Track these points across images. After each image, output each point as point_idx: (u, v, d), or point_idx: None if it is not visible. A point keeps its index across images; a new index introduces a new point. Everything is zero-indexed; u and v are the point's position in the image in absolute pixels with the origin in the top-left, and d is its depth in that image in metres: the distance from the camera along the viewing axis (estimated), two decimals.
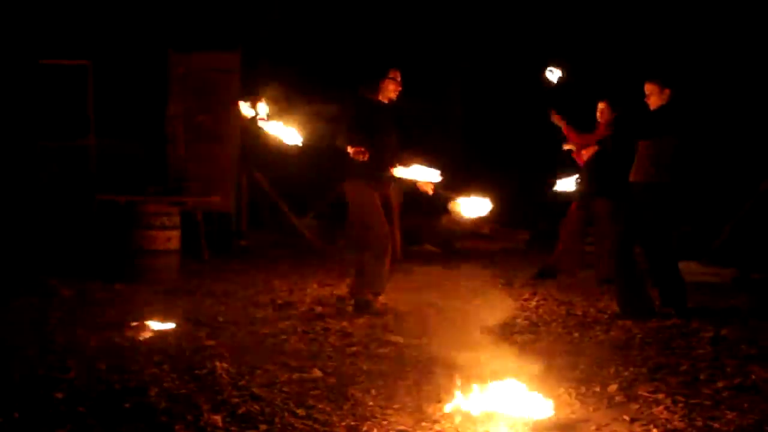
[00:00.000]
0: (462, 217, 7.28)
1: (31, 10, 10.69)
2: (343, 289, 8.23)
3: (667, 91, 6.93)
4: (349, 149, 6.79)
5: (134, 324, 6.30)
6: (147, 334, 6.08)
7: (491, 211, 7.06)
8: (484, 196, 7.01)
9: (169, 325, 6.24)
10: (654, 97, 6.98)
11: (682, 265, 10.10)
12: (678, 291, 7.18)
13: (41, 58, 10.12)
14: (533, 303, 7.65)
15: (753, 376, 5.23)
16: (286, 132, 6.97)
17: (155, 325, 6.21)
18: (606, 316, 7.08)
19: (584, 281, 8.93)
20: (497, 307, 7.59)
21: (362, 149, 6.76)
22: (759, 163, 11.36)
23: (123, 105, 10.99)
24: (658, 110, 6.99)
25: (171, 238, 8.51)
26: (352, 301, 7.28)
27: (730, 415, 4.42)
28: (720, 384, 5.05)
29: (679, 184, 6.99)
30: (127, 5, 11.71)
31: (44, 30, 10.64)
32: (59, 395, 4.52)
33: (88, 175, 9.75)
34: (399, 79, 7.28)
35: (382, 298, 7.38)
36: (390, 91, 7.26)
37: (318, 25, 11.82)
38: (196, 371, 5.13)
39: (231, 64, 10.81)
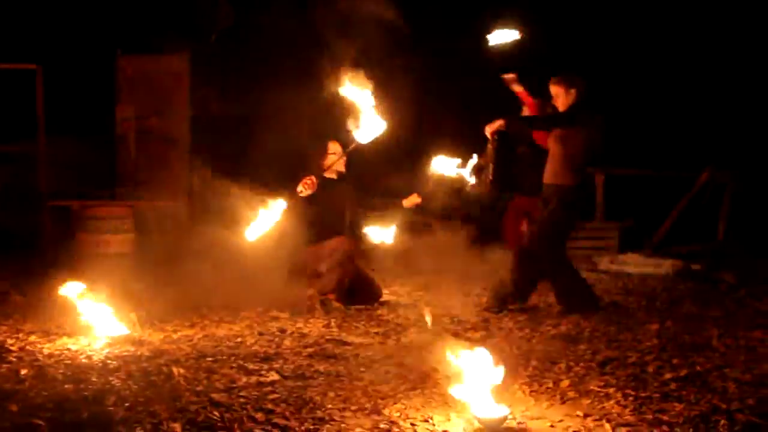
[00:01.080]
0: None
1: None
2: (295, 289, 8.16)
3: (573, 92, 6.91)
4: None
5: (89, 330, 6.17)
6: (102, 341, 5.95)
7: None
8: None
9: (125, 331, 6.12)
10: (561, 98, 6.98)
11: (626, 257, 10.33)
12: (578, 293, 7.15)
13: None
14: (484, 299, 7.65)
15: (698, 368, 5.31)
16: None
17: (110, 330, 6.08)
18: (556, 311, 7.12)
19: None
20: (449, 303, 7.61)
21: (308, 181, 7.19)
22: (698, 156, 11.55)
23: (73, 108, 10.78)
24: (567, 110, 6.97)
25: (124, 242, 8.37)
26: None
27: (678, 407, 4.48)
28: (667, 376, 5.12)
29: (586, 186, 7.03)
30: (75, 9, 11.48)
31: None
32: (14, 407, 4.41)
33: (38, 179, 9.53)
34: (339, 150, 7.41)
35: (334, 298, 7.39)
36: (336, 165, 7.44)
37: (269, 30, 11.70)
38: (153, 377, 5.05)
39: (180, 67, 10.67)
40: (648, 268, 9.81)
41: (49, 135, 9.96)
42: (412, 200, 7.58)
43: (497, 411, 4.21)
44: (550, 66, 7.76)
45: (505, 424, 4.18)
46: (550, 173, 6.99)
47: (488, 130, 6.86)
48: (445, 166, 7.60)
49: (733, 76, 12.26)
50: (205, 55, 10.86)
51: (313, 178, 7.31)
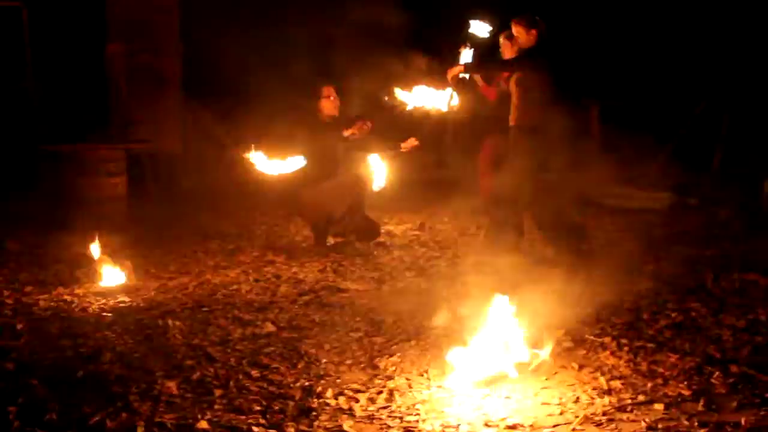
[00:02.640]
0: None
1: None
2: (291, 231, 8.13)
3: (533, 32, 6.85)
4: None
5: (84, 279, 6.13)
6: (97, 291, 5.92)
7: None
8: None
9: (120, 280, 6.08)
10: (522, 38, 6.92)
11: (620, 189, 10.24)
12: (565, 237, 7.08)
13: None
14: (479, 237, 7.59)
15: (693, 313, 5.30)
16: None
17: (105, 279, 6.05)
18: (550, 251, 7.06)
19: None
20: (444, 244, 7.58)
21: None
22: (693, 89, 11.40)
23: (61, 48, 10.55)
24: (527, 51, 6.92)
25: (118, 185, 8.28)
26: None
27: (672, 358, 4.47)
28: (662, 323, 5.12)
29: (549, 126, 6.95)
30: None
31: None
32: (10, 366, 4.41)
33: (29, 122, 9.38)
34: (334, 95, 7.35)
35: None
36: (329, 109, 7.28)
37: None
38: (149, 331, 5.04)
39: (169, 2, 10.42)
40: (644, 202, 9.73)
41: (38, 75, 9.77)
42: (410, 143, 7.50)
43: (493, 363, 4.19)
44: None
45: (502, 377, 4.17)
46: (513, 116, 6.99)
47: (449, 74, 6.89)
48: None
49: (727, 8, 12.00)
50: None
51: (369, 123, 7.25)
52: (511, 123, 7.05)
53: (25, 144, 8.94)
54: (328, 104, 7.37)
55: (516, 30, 6.98)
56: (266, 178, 6.92)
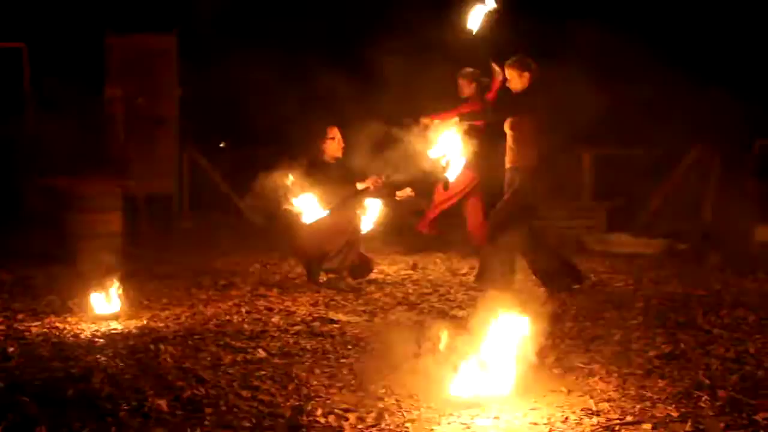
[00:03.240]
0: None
1: None
2: (284, 269, 8.17)
3: (526, 75, 7.06)
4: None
5: (76, 309, 6.15)
6: (89, 319, 5.94)
7: None
8: None
9: (112, 309, 6.10)
10: (514, 81, 7.11)
11: (613, 236, 10.34)
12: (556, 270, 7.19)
13: None
14: (471, 278, 7.66)
15: (682, 345, 5.34)
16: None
17: (97, 309, 6.07)
18: (543, 290, 7.12)
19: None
20: (436, 282, 7.63)
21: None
22: (684, 139, 11.55)
23: (61, 88, 10.72)
24: (520, 94, 7.10)
25: (112, 221, 8.34)
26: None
27: (661, 383, 4.51)
28: (651, 353, 5.15)
29: (544, 166, 7.10)
30: None
31: None
32: (0, 384, 4.41)
33: (27, 158, 9.48)
34: (339, 136, 7.45)
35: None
36: (333, 150, 7.38)
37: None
38: (140, 355, 5.05)
39: (167, 46, 10.62)
40: (635, 247, 9.81)
41: (37, 114, 9.92)
42: (405, 193, 7.60)
43: (482, 387, 4.22)
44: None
45: (491, 400, 4.19)
46: (509, 157, 7.14)
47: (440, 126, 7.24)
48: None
49: (718, 57, 12.24)
50: (193, 35, 10.78)
51: (381, 179, 7.41)
52: (508, 165, 7.19)
53: (21, 178, 9.02)
54: (333, 145, 7.45)
55: (509, 73, 7.19)
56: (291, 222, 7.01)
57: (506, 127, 7.18)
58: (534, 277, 7.25)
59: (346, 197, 7.32)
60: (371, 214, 7.59)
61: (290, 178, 7.17)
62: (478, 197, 9.01)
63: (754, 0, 11.85)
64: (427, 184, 8.49)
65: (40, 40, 10.28)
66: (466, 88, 8.95)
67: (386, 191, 7.62)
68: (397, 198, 7.65)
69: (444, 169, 7.40)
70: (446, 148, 7.31)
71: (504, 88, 7.53)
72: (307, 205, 7.10)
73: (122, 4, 11.45)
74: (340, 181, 7.34)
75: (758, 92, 11.52)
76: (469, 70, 8.94)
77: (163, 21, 10.70)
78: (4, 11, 10.87)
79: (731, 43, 12.13)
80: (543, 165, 7.10)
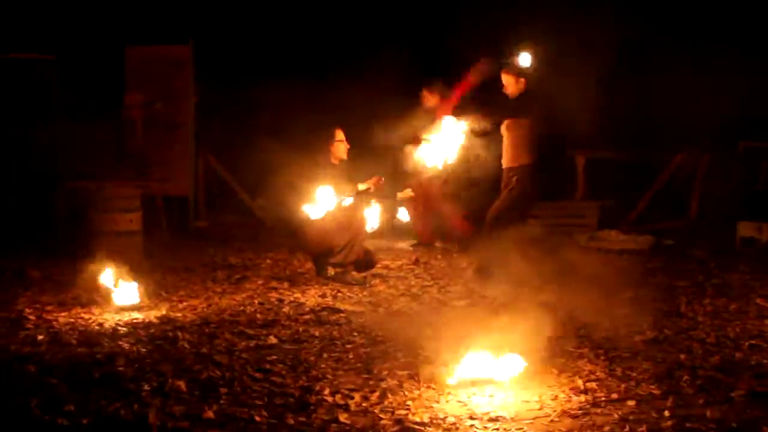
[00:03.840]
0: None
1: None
2: (294, 264, 8.27)
3: (522, 81, 7.19)
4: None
5: (100, 301, 6.26)
6: (113, 310, 6.05)
7: None
8: None
9: (134, 301, 6.21)
10: (511, 87, 7.23)
11: (604, 233, 10.41)
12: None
13: (9, 53, 10.02)
14: (470, 271, 7.74)
15: (666, 331, 5.43)
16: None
17: (120, 301, 6.18)
18: (537, 282, 7.20)
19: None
20: (437, 275, 7.72)
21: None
22: (671, 140, 11.63)
23: (85, 96, 10.86)
24: (516, 99, 7.22)
25: (133, 220, 8.45)
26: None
27: (645, 365, 4.61)
28: (637, 338, 5.25)
29: (540, 165, 7.21)
30: (87, 3, 11.56)
31: (7, 26, 10.54)
32: (31, 368, 4.54)
33: (54, 162, 9.60)
34: (344, 138, 7.51)
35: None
36: (340, 152, 7.46)
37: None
38: (160, 342, 5.17)
39: (183, 56, 10.73)
40: (625, 244, 9.88)
41: (63, 120, 10.04)
42: (407, 194, 7.69)
43: (477, 370, 4.32)
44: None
45: (487, 381, 4.29)
46: (506, 158, 7.27)
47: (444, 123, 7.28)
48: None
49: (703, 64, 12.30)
50: (207, 45, 10.90)
51: (382, 179, 7.50)
52: (505, 165, 7.30)
53: (49, 181, 9.14)
54: (340, 147, 7.51)
55: (505, 79, 7.30)
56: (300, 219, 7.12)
57: (503, 129, 7.28)
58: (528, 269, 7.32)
59: (349, 196, 7.39)
60: (376, 214, 7.66)
61: (299, 179, 7.25)
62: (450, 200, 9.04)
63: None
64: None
65: (67, 52, 10.42)
66: (430, 100, 9.01)
67: (387, 191, 7.70)
68: (398, 198, 7.73)
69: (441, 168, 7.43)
70: (443, 150, 7.36)
71: (490, 92, 7.62)
72: (314, 204, 7.17)
73: (141, 18, 11.59)
74: (345, 181, 7.42)
75: (742, 95, 11.59)
76: (434, 82, 9.00)
77: (179, 33, 10.82)
78: (35, 25, 11.04)
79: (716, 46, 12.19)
80: (538, 166, 7.21)
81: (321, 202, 7.10)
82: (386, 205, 7.77)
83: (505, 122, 7.27)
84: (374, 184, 7.50)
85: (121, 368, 4.53)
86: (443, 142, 7.32)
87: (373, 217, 7.62)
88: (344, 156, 7.54)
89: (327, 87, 10.62)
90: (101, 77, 11.04)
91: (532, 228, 7.67)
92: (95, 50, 11.37)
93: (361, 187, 7.49)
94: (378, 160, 8.44)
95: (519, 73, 7.22)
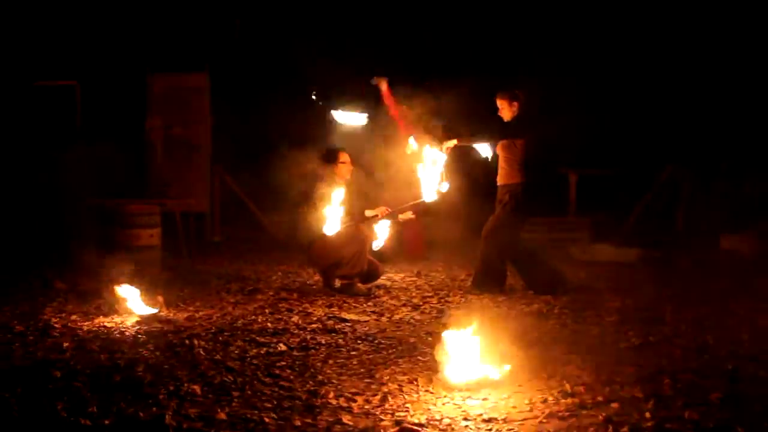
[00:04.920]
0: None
1: (25, 38, 10.77)
2: (304, 277, 8.33)
3: (515, 104, 7.27)
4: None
5: (121, 311, 6.33)
6: (133, 320, 6.12)
7: None
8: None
9: (153, 311, 6.28)
10: (505, 110, 7.31)
11: (596, 247, 10.46)
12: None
13: (35, 80, 10.17)
14: (468, 283, 7.80)
15: (651, 338, 5.47)
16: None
17: (140, 311, 6.25)
18: (531, 291, 7.25)
19: None
20: (437, 287, 7.77)
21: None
22: (659, 157, 11.72)
23: (108, 119, 11.01)
24: (511, 121, 7.29)
25: (153, 235, 8.54)
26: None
27: (630, 370, 4.64)
28: (623, 345, 5.29)
29: (533, 183, 7.26)
30: (109, 33, 11.71)
31: (36, 54, 10.69)
32: (57, 373, 4.59)
33: (79, 182, 9.72)
34: (348, 160, 7.57)
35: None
36: (344, 173, 7.54)
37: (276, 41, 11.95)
38: (177, 349, 5.22)
39: (200, 83, 10.89)
40: (616, 256, 9.92)
41: (88, 142, 10.18)
42: (407, 216, 7.73)
43: (469, 374, 4.37)
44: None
45: (480, 385, 4.33)
46: (501, 176, 7.34)
47: (445, 147, 7.26)
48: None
49: (690, 79, 12.39)
50: (223, 72, 11.05)
51: (389, 211, 7.55)
52: (500, 182, 7.37)
53: (74, 199, 9.25)
54: (344, 169, 7.58)
55: (499, 103, 7.37)
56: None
57: (498, 149, 7.35)
58: (522, 281, 7.40)
59: (357, 221, 7.42)
60: (382, 235, 7.71)
61: (309, 199, 7.30)
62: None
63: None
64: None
65: (91, 78, 10.57)
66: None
67: (391, 216, 7.74)
68: (400, 219, 7.78)
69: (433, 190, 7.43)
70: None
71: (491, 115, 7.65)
72: (323, 221, 7.21)
73: (161, 47, 11.74)
74: (352, 202, 7.45)
75: (727, 119, 11.68)
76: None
77: (197, 61, 10.97)
78: (60, 53, 11.18)
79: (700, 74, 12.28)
80: (531, 183, 7.27)
81: (331, 221, 7.14)
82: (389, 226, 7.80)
83: (501, 143, 7.34)
84: (381, 214, 7.55)
85: (140, 373, 4.59)
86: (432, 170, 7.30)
87: (380, 238, 7.67)
88: (348, 176, 7.60)
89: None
90: (124, 102, 11.20)
91: (527, 242, 7.70)
92: (118, 77, 11.53)
93: (369, 213, 7.55)
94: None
95: (512, 96, 7.29)
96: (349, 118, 7.73)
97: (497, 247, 7.27)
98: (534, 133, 7.26)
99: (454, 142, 7.35)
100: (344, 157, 7.60)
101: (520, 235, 7.46)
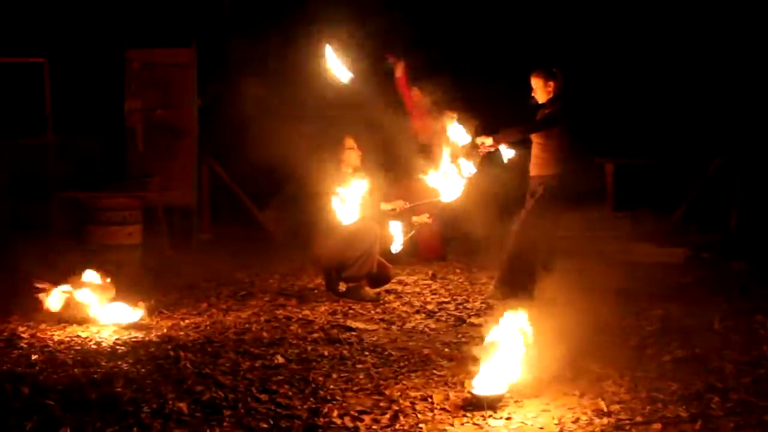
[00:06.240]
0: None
1: None
2: (304, 279, 8.37)
3: (551, 84, 7.22)
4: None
5: (97, 318, 6.38)
6: (111, 328, 6.17)
7: None
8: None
9: (133, 319, 6.32)
10: (540, 90, 7.28)
11: (638, 246, 10.45)
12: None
13: None
14: (490, 287, 7.82)
15: (697, 350, 5.48)
16: None
17: (118, 318, 6.30)
18: (562, 297, 7.25)
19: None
20: (454, 291, 7.80)
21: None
22: (709, 145, 11.68)
23: (81, 101, 11.02)
24: (547, 104, 7.26)
25: (132, 233, 8.59)
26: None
27: (673, 386, 4.67)
28: (666, 358, 5.31)
29: (572, 174, 7.25)
30: (82, 2, 11.74)
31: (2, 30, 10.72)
32: (25, 389, 4.64)
33: (48, 172, 9.77)
34: (355, 145, 7.59)
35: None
36: (353, 160, 7.55)
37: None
38: (160, 361, 5.27)
39: (186, 60, 10.87)
40: (659, 256, 9.91)
41: (59, 128, 10.20)
42: (422, 219, 7.74)
43: (495, 389, 4.40)
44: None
45: (503, 403, 4.36)
46: (535, 165, 7.32)
47: (482, 149, 7.19)
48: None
49: (743, 65, 12.35)
50: (212, 48, 11.04)
51: (407, 205, 7.61)
52: (533, 172, 7.37)
53: (44, 190, 9.30)
54: (353, 155, 7.59)
55: (534, 82, 7.34)
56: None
57: (534, 136, 7.34)
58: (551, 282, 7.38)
59: (372, 215, 7.45)
60: (398, 237, 7.73)
61: (311, 191, 7.32)
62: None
63: None
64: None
65: (61, 55, 10.58)
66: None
67: (406, 215, 7.77)
68: (413, 222, 7.79)
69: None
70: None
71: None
72: (327, 216, 7.22)
73: (141, 19, 11.75)
74: (364, 194, 7.45)
75: None
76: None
77: (181, 35, 10.96)
78: (26, 27, 11.20)
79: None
80: (567, 174, 7.26)
81: (337, 215, 7.15)
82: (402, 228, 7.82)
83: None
84: (400, 208, 7.57)
85: (119, 389, 4.64)
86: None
87: (397, 240, 7.69)
88: (357, 164, 7.61)
89: None
90: (99, 81, 11.22)
91: (560, 239, 7.70)
92: (92, 53, 11.55)
93: (384, 206, 7.57)
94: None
95: (548, 75, 7.25)
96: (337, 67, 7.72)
97: (527, 245, 7.26)
98: (572, 118, 7.24)
99: (490, 141, 7.19)
100: (350, 142, 7.61)
101: (554, 233, 7.45)
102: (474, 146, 7.20)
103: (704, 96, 12.27)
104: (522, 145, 7.49)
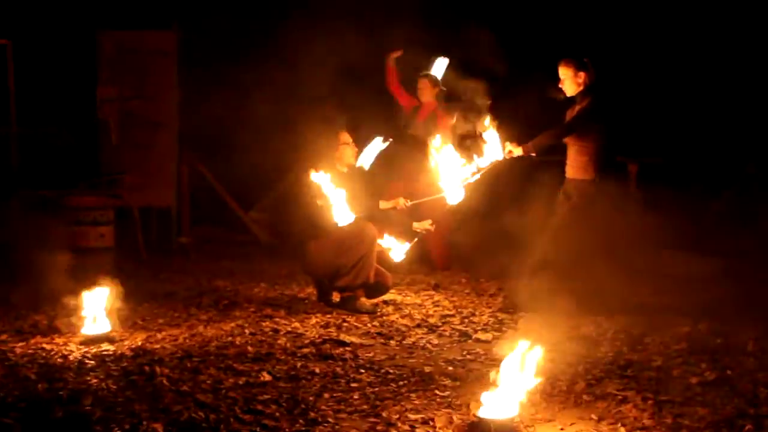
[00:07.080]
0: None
1: None
2: (293, 288, 8.38)
3: (582, 74, 7.23)
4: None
5: (64, 329, 6.39)
6: (79, 340, 6.18)
7: None
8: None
9: (104, 330, 6.34)
10: (569, 81, 7.28)
11: (665, 255, 10.45)
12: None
13: None
14: (499, 299, 7.84)
15: (728, 372, 5.49)
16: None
17: (88, 329, 6.31)
18: (579, 312, 7.26)
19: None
20: (460, 304, 7.81)
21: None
22: (741, 146, 11.71)
23: (49, 89, 11.00)
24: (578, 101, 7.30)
25: (104, 234, 8.60)
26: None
27: (701, 412, 4.67)
28: (693, 380, 5.31)
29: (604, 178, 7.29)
30: None
31: None
32: None
33: (8, 167, 9.78)
34: (350, 141, 7.63)
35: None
36: (349, 157, 7.59)
37: None
38: (134, 377, 5.29)
39: (166, 44, 10.86)
40: (687, 266, 9.91)
41: (24, 119, 10.19)
42: (424, 226, 7.77)
43: (506, 412, 4.41)
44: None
45: (512, 427, 4.37)
46: (572, 167, 7.33)
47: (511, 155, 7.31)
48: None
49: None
50: (195, 31, 11.02)
51: (408, 203, 7.69)
52: (569, 174, 7.39)
53: (7, 188, 9.30)
54: (347, 152, 7.62)
55: (563, 72, 7.35)
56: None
57: (569, 139, 7.37)
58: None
59: (370, 213, 7.47)
60: (403, 245, 7.76)
61: (310, 186, 7.32)
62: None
63: None
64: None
65: (26, 36, 10.56)
66: (427, 92, 9.45)
67: (407, 216, 7.79)
68: (415, 228, 7.81)
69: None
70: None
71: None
72: (321, 218, 7.23)
73: None
74: (361, 192, 7.48)
75: None
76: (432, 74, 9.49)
77: (161, 16, 10.95)
78: None
79: None
80: (601, 179, 7.30)
81: (330, 217, 7.16)
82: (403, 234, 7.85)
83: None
84: (398, 208, 7.60)
85: (88, 407, 4.65)
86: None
87: (401, 249, 7.73)
88: (353, 161, 7.63)
89: None
90: (68, 67, 11.20)
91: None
92: (61, 35, 11.52)
93: (384, 205, 7.59)
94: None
95: (579, 65, 7.26)
96: None
97: (556, 246, 7.30)
98: (608, 115, 7.28)
99: (519, 150, 7.29)
100: (345, 137, 7.63)
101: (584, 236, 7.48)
102: (477, 136, 7.30)
103: (738, 96, 12.29)
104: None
